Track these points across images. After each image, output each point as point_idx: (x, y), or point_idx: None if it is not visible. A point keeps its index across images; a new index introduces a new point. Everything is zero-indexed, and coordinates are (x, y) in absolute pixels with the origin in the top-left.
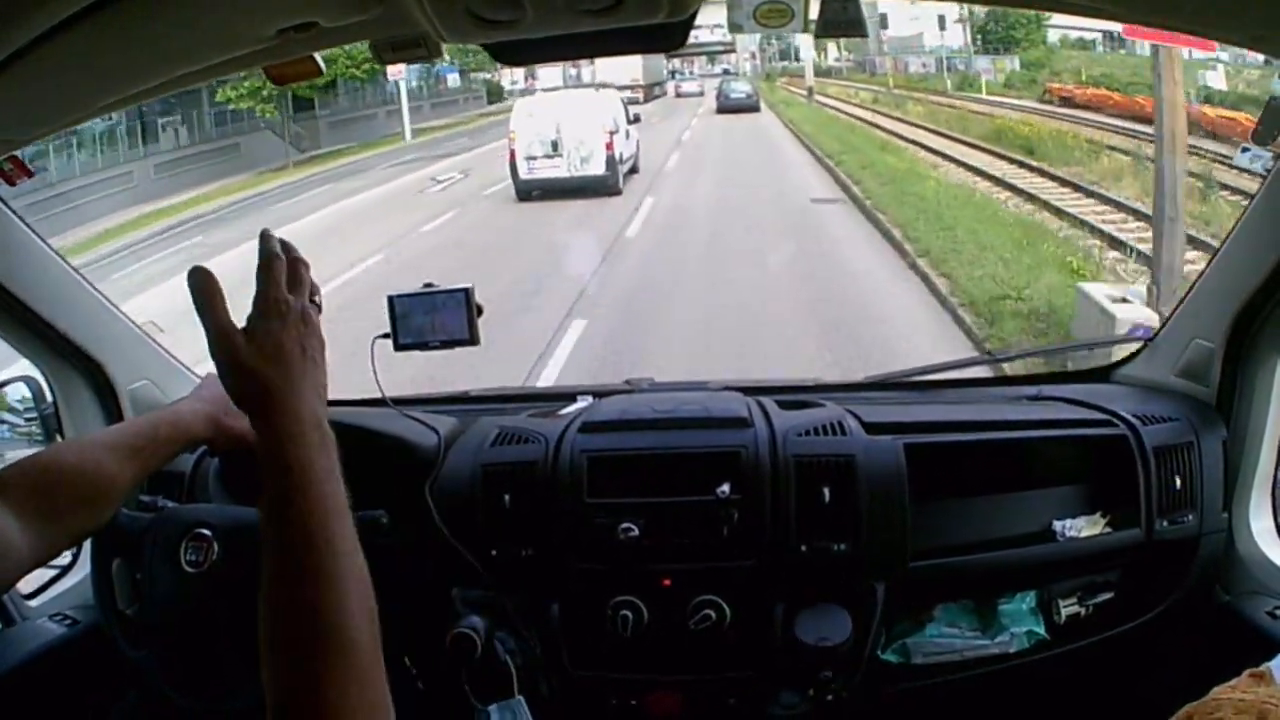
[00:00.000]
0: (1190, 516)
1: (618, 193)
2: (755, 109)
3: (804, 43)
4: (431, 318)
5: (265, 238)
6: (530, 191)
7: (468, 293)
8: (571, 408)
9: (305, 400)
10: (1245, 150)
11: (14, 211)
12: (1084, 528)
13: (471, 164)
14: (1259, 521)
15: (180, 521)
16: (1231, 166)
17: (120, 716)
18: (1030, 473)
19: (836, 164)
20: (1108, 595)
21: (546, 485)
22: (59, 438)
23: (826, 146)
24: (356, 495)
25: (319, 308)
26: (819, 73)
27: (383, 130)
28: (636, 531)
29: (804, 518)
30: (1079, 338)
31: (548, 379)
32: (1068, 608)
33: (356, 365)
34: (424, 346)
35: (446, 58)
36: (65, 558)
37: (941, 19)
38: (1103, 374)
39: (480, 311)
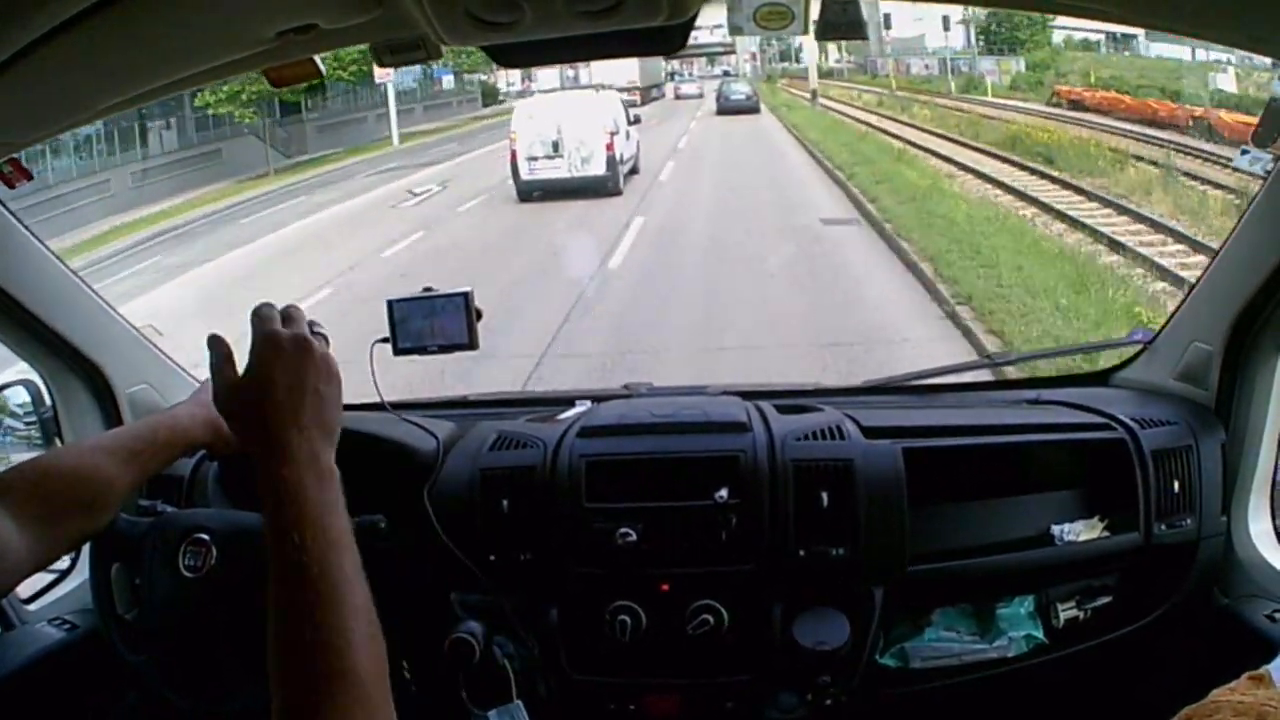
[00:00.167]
0: (1189, 520)
1: (618, 193)
2: (755, 110)
3: (806, 44)
4: (430, 322)
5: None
6: (531, 192)
7: (467, 297)
8: (570, 412)
9: (302, 435)
10: (1245, 152)
11: (13, 214)
12: (1082, 532)
13: (453, 174)
14: (1258, 525)
15: (179, 526)
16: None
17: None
18: (1028, 477)
19: (848, 177)
20: (1106, 599)
21: (545, 490)
22: (58, 441)
23: (835, 156)
24: (355, 500)
25: (325, 339)
26: (819, 74)
27: (372, 134)
28: (635, 536)
29: (802, 522)
30: None
31: None
32: (1066, 612)
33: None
34: (423, 351)
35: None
36: (64, 562)
37: (945, 20)
38: (1101, 378)
39: (480, 316)
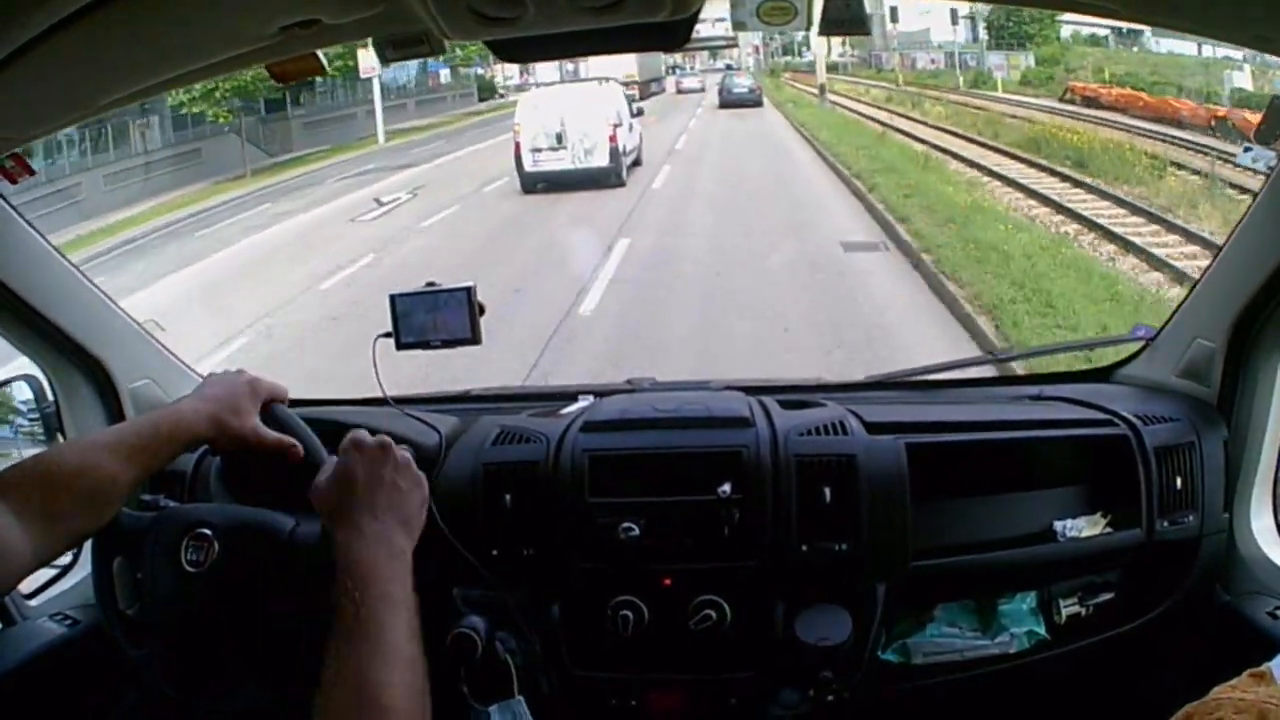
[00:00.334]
0: (1191, 517)
1: (621, 184)
2: (758, 104)
3: (813, 37)
4: (433, 316)
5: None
6: (535, 183)
7: (469, 291)
8: (573, 407)
9: (377, 519)
10: (1248, 149)
11: (15, 209)
12: (1085, 528)
13: (429, 178)
14: (1260, 521)
15: (181, 521)
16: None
17: (120, 716)
18: (1031, 473)
19: (869, 188)
20: (1108, 595)
21: (548, 485)
22: (60, 437)
23: (852, 161)
24: None
25: (411, 447)
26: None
27: (360, 131)
28: (637, 531)
29: (805, 518)
30: None
31: None
32: (1068, 608)
33: None
34: (426, 345)
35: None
36: (65, 557)
37: (954, 12)
38: (1104, 374)
39: (482, 310)
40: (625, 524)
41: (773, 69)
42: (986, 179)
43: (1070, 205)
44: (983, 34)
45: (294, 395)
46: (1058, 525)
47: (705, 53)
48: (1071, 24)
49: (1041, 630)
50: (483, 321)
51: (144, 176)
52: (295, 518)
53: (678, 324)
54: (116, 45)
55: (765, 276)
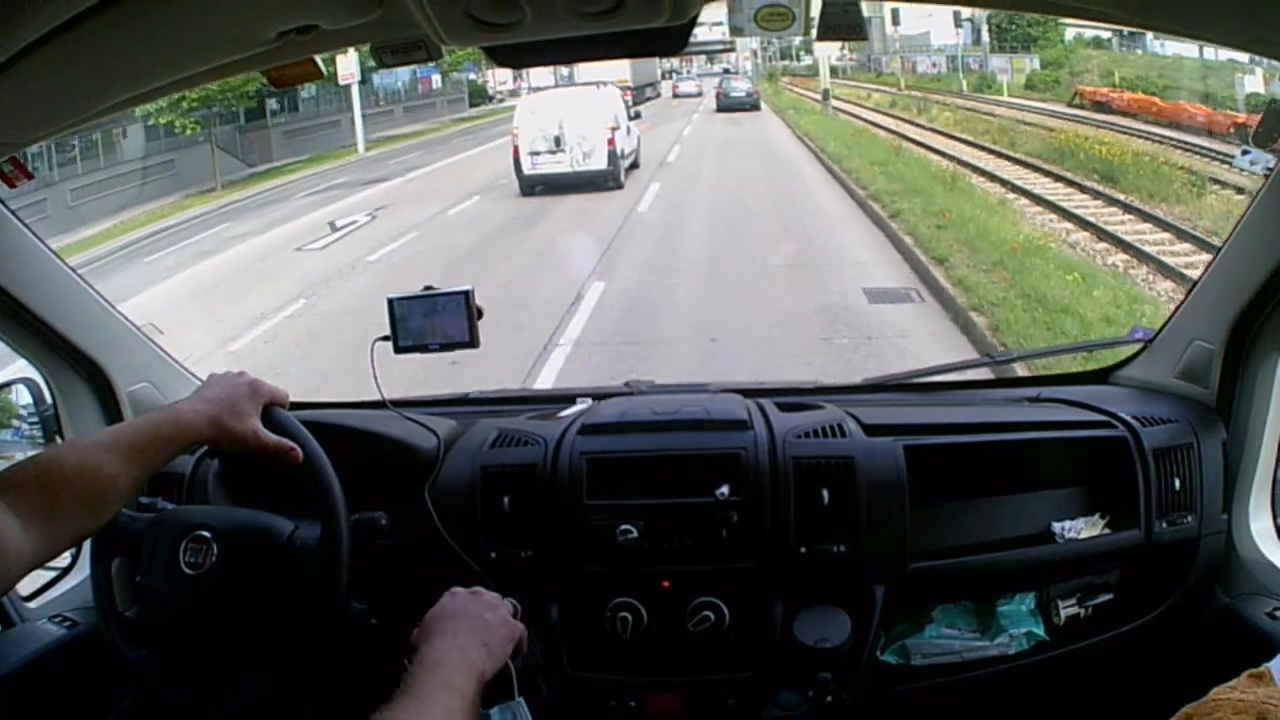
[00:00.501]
0: (1189, 518)
1: (619, 187)
2: (756, 107)
3: (814, 40)
4: (431, 320)
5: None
6: (534, 186)
7: (468, 295)
8: (571, 410)
9: (457, 636)
10: (1246, 152)
11: (14, 213)
12: (1083, 529)
13: (396, 196)
14: (1258, 523)
15: (180, 523)
16: None
17: (119, 717)
18: (1030, 474)
19: (892, 214)
20: (1107, 597)
21: (546, 487)
22: (59, 439)
23: (868, 180)
24: (356, 497)
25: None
26: (818, 72)
27: (344, 139)
28: (636, 533)
29: (803, 520)
30: None
31: None
32: (1067, 609)
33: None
34: (424, 349)
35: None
36: (64, 559)
37: (957, 15)
38: (1102, 376)
39: (480, 314)
40: (624, 526)
41: (770, 73)
42: (1013, 195)
43: (1110, 228)
44: (985, 37)
45: (292, 398)
46: (1056, 526)
47: (703, 57)
48: (1074, 26)
49: (1040, 631)
50: (429, 380)
51: (114, 190)
52: (294, 521)
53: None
54: (115, 50)
55: (774, 341)
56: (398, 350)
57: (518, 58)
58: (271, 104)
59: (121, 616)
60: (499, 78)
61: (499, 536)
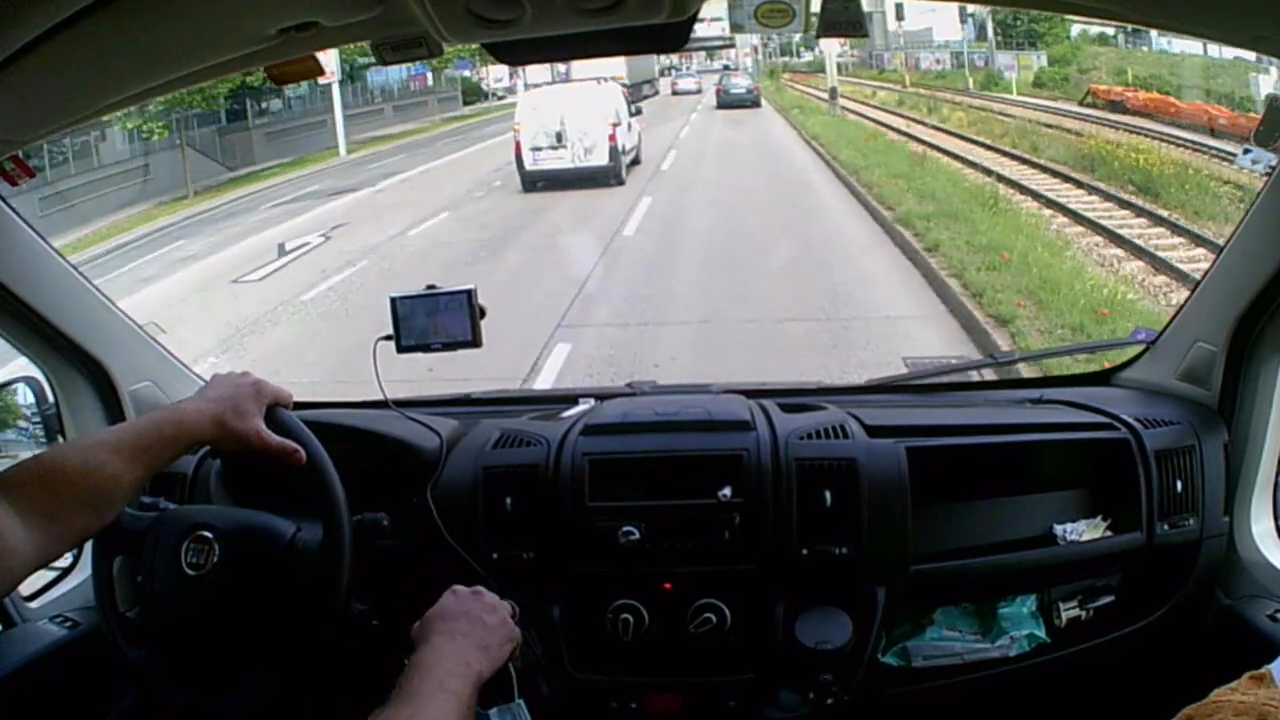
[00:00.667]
0: (1191, 520)
1: (621, 183)
2: (756, 104)
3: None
4: (434, 320)
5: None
6: (536, 181)
7: (470, 294)
8: (573, 410)
9: (454, 637)
10: (1247, 151)
11: (15, 212)
12: (1085, 531)
13: (358, 212)
14: (1260, 525)
15: (182, 523)
16: None
17: (119, 717)
18: (1031, 476)
19: (929, 247)
20: (1108, 599)
21: (548, 488)
22: (61, 439)
23: (893, 197)
24: (358, 497)
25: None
26: (820, 68)
27: (329, 140)
28: (638, 534)
29: (805, 521)
30: None
31: None
32: (1068, 611)
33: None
34: (426, 349)
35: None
36: (65, 560)
37: (962, 10)
38: (1104, 377)
39: (483, 314)
40: (626, 527)
41: (771, 70)
42: (1048, 210)
43: (1162, 255)
44: (989, 33)
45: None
46: (1058, 529)
47: (703, 53)
48: (1079, 21)
49: (1041, 633)
50: None
51: (85, 198)
52: (296, 522)
53: None
54: (116, 47)
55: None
56: (400, 350)
57: (518, 54)
58: (270, 103)
59: (122, 617)
60: (495, 75)
61: (501, 537)
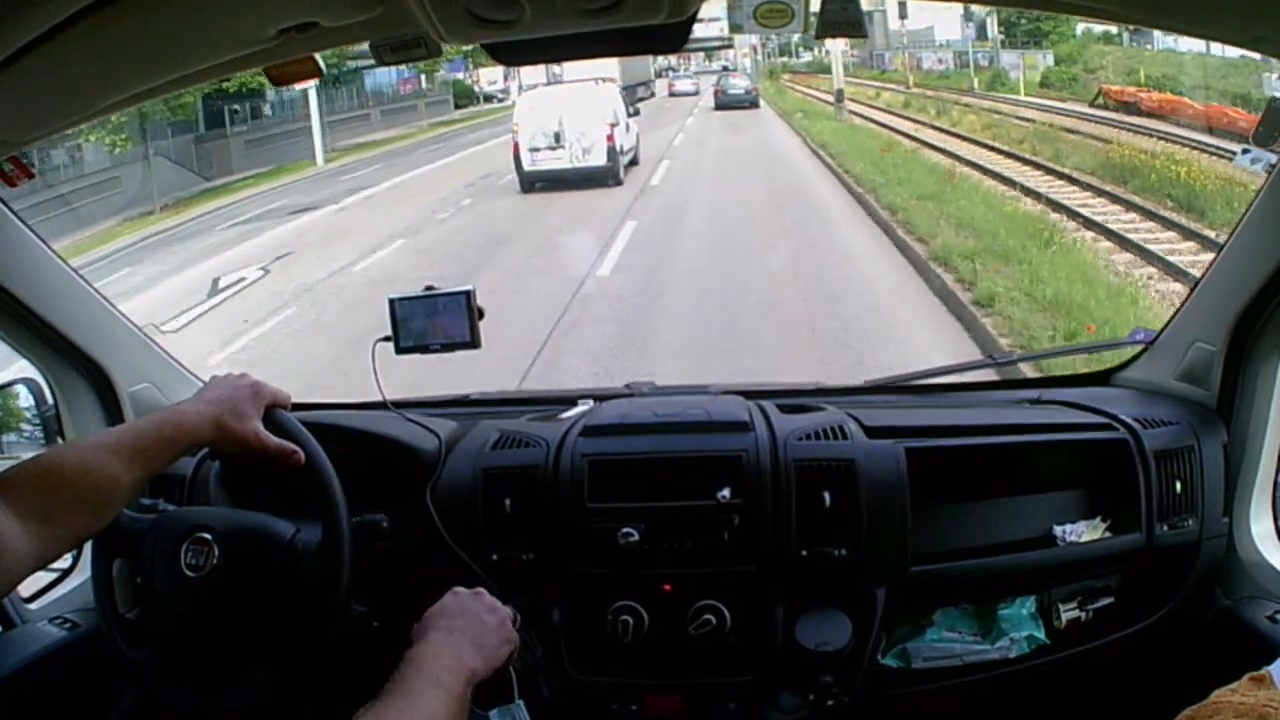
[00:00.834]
0: (1191, 521)
1: (619, 183)
2: (755, 105)
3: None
4: (432, 321)
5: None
6: (534, 182)
7: (469, 295)
8: (572, 411)
9: (451, 634)
10: (1246, 151)
11: (15, 213)
12: (1084, 532)
13: (308, 237)
14: (1260, 525)
15: (181, 524)
16: None
17: (119, 717)
18: (1031, 477)
19: (981, 300)
20: (1108, 600)
21: (547, 489)
22: (60, 440)
23: (925, 226)
24: (357, 499)
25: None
26: (820, 69)
27: (310, 150)
28: (637, 536)
29: (805, 522)
30: None
31: None
32: (1068, 612)
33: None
34: (425, 350)
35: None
36: (65, 561)
37: (968, 9)
38: (1103, 378)
39: (481, 314)
40: (625, 529)
41: (771, 70)
42: (1104, 242)
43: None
44: (993, 32)
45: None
46: (1057, 530)
47: (701, 54)
48: (1083, 20)
49: (1041, 635)
50: None
51: (53, 213)
52: (295, 523)
53: None
54: (115, 48)
55: None
56: (399, 351)
57: (517, 55)
58: (249, 107)
59: (122, 618)
60: (488, 77)
61: (500, 538)
